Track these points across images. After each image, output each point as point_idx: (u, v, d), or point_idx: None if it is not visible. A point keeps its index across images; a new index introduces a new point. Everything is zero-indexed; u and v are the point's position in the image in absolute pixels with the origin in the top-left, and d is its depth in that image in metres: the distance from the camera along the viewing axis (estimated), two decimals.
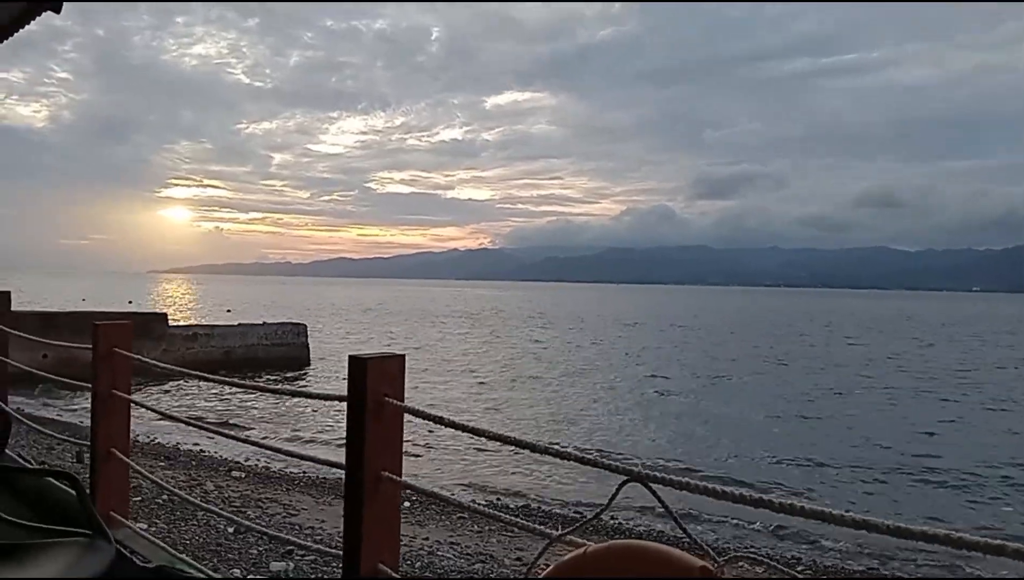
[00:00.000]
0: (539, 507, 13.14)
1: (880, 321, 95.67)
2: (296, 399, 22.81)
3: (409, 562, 8.43)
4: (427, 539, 9.70)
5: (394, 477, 2.42)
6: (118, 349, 4.08)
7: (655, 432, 20.80)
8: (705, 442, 19.53)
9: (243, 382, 3.78)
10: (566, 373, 33.46)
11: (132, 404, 4.21)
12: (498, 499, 13.69)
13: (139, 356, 4.16)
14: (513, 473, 15.51)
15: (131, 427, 4.32)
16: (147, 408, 5.02)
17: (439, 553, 9.09)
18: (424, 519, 10.85)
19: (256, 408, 22.11)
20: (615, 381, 31.21)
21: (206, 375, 3.59)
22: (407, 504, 11.33)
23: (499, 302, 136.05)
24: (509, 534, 10.30)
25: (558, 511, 12.81)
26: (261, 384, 3.45)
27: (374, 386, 2.39)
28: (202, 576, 3.36)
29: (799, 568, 10.47)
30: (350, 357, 2.42)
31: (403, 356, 2.49)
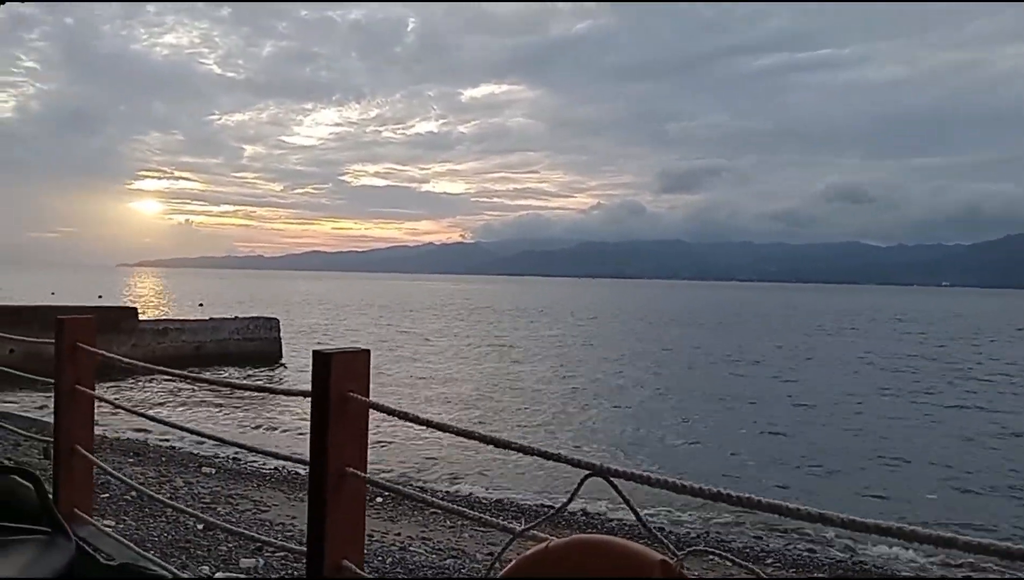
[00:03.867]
0: (507, 502, 13.19)
1: (858, 317, 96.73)
2: (266, 394, 22.63)
3: (380, 558, 8.42)
4: (399, 535, 9.70)
5: (358, 473, 2.40)
6: (81, 344, 4.02)
7: (623, 427, 20.97)
8: (671, 438, 19.69)
9: (207, 378, 3.75)
10: (536, 369, 33.54)
11: (97, 400, 4.16)
12: (469, 494, 13.72)
13: (103, 351, 4.11)
14: (482, 468, 15.56)
15: (98, 423, 4.27)
16: (112, 404, 4.96)
17: (411, 549, 9.09)
18: (396, 515, 10.84)
19: (225, 404, 21.93)
20: (586, 377, 31.37)
21: (171, 370, 3.55)
22: (379, 500, 11.30)
23: (474, 297, 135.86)
24: (481, 530, 10.31)
25: (529, 505, 12.89)
26: (225, 379, 3.43)
27: (338, 381, 2.38)
28: (167, 574, 3.32)
29: (765, 562, 10.60)
30: (314, 352, 2.41)
31: (368, 351, 2.48)
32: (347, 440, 2.41)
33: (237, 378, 25.56)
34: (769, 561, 10.65)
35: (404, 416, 2.33)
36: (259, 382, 24.91)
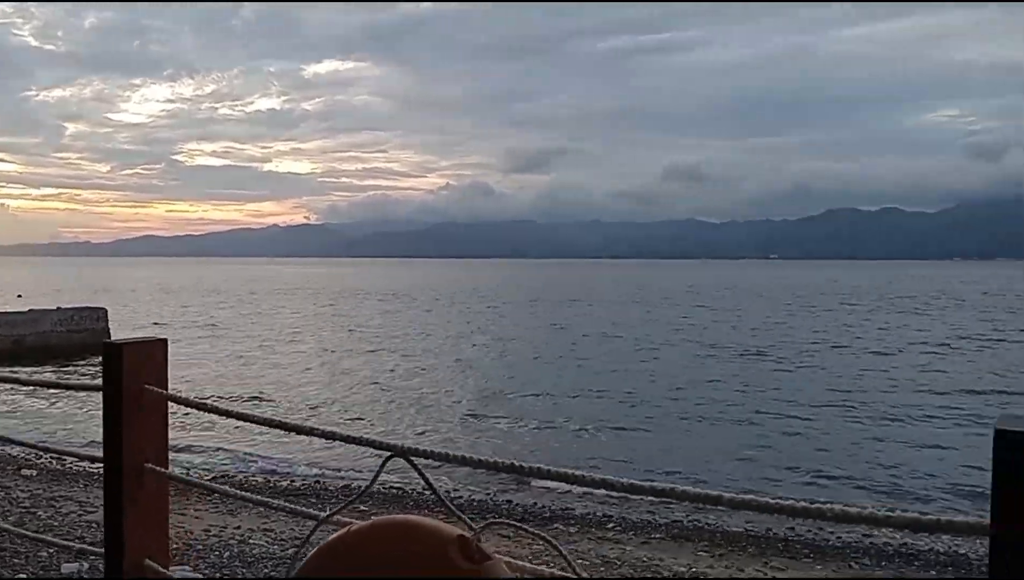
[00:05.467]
0: (331, 487, 13.09)
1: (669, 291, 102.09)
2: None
3: (218, 552, 8.13)
4: (239, 528, 9.39)
5: (158, 469, 2.30)
6: None
7: (440, 408, 21.24)
8: (490, 417, 20.08)
9: None
10: (365, 351, 33.42)
11: None
12: (287, 482, 13.51)
13: None
14: (305, 455, 15.41)
15: None
16: None
17: (251, 541, 8.83)
18: (236, 508, 10.48)
19: (36, 399, 20.57)
20: (414, 357, 31.58)
21: None
22: (217, 495, 10.91)
23: (319, 279, 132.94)
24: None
25: (347, 487, 12.96)
26: (10, 375, 3.18)
27: (132, 373, 2.25)
28: None
29: (606, 527, 11.06)
30: (104, 343, 2.27)
31: (165, 340, 2.37)
32: (144, 435, 2.29)
33: (57, 374, 23.93)
34: (611, 526, 11.09)
35: (204, 407, 2.24)
36: (50, 378, 23.52)
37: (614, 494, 12.41)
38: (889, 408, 20.51)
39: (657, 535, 10.81)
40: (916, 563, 9.82)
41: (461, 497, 12.12)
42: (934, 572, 9.57)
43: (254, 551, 8.33)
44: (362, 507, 9.22)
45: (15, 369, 21.56)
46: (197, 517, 9.86)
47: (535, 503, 12.24)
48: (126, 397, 2.25)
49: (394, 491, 12.13)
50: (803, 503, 1.49)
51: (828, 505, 1.47)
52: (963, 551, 10.03)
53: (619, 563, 9.00)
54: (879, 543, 10.46)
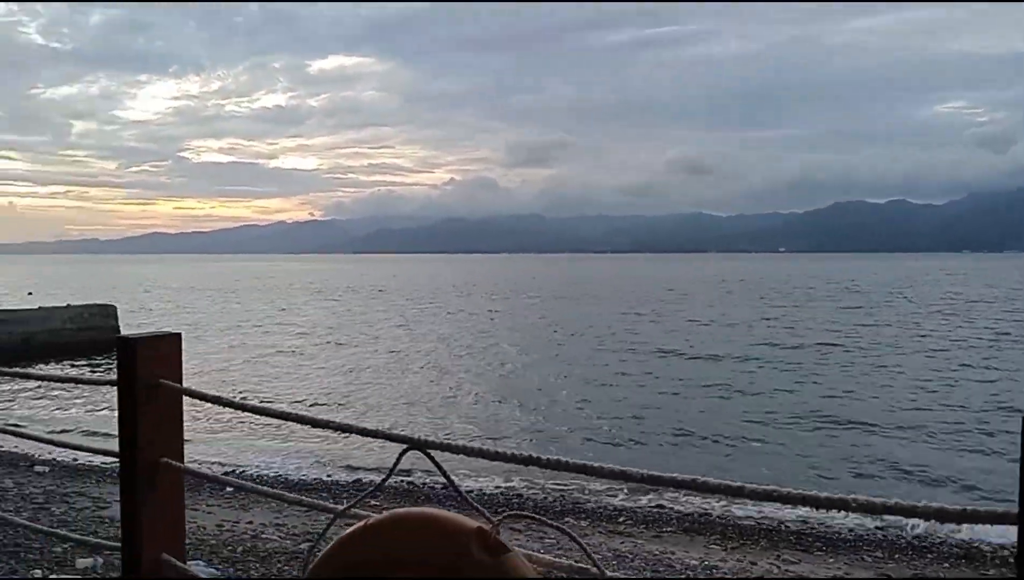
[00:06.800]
0: (334, 483, 13.14)
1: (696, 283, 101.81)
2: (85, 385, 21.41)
3: (231, 547, 8.16)
4: (251, 523, 9.43)
5: (174, 463, 2.30)
6: None
7: (457, 402, 21.23)
8: (506, 411, 20.01)
9: (3, 370, 3.46)
10: (383, 349, 33.40)
11: None
12: (301, 476, 13.57)
13: None
14: (317, 449, 15.46)
15: None
16: None
17: (264, 536, 8.86)
18: (249, 503, 10.53)
19: (45, 396, 20.68)
20: (428, 352, 31.56)
21: None
22: (229, 489, 10.96)
23: (329, 277, 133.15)
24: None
25: (361, 482, 12.98)
26: (24, 371, 3.19)
27: (146, 368, 2.25)
28: None
29: (617, 520, 11.05)
30: (118, 338, 2.27)
31: (179, 335, 2.36)
32: (159, 429, 2.29)
33: (66, 370, 24.03)
34: (621, 519, 11.10)
35: (218, 401, 2.24)
36: (73, 374, 23.63)
37: (625, 489, 12.41)
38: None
39: (668, 529, 10.80)
40: (929, 556, 9.78)
41: (471, 491, 12.16)
42: (947, 565, 9.53)
43: (267, 546, 8.36)
44: (373, 502, 9.25)
45: (27, 366, 21.70)
46: (209, 512, 9.91)
47: (545, 497, 12.27)
48: (141, 391, 2.25)
49: (405, 486, 12.17)
50: (826, 494, 1.48)
51: (852, 496, 1.46)
52: (978, 545, 9.98)
53: (631, 557, 8.99)
54: (892, 536, 10.43)
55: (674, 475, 1.58)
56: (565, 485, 12.67)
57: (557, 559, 1.78)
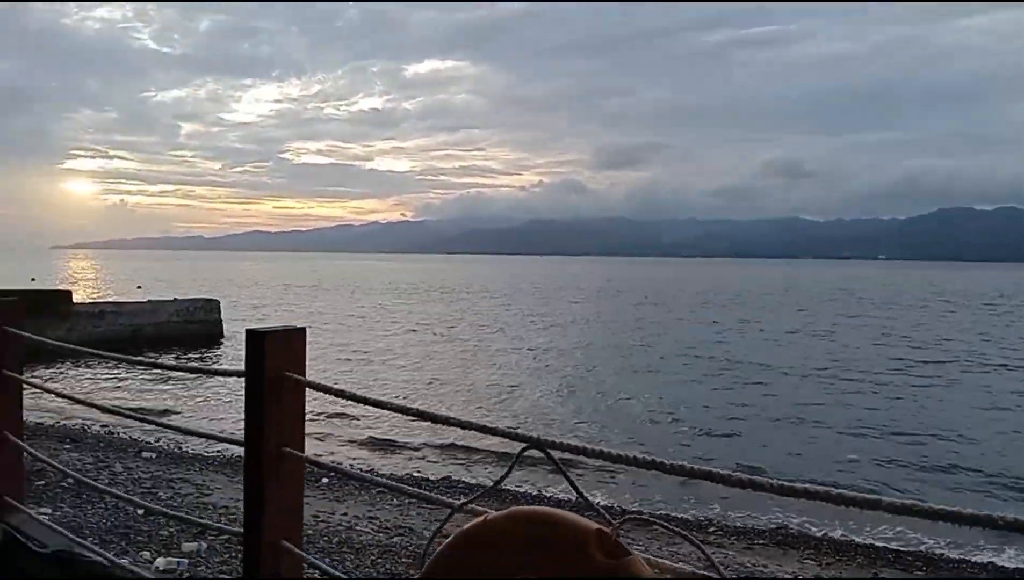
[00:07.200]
0: (452, 478, 13.27)
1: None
2: (204, 376, 22.24)
3: (327, 538, 8.38)
4: (346, 514, 9.66)
5: (295, 453, 2.38)
6: (7, 327, 3.89)
7: (564, 404, 21.11)
8: (620, 412, 19.92)
9: (141, 359, 3.63)
10: (482, 347, 33.60)
11: (26, 385, 4.03)
12: (413, 471, 13.77)
13: (31, 334, 3.98)
14: (426, 445, 15.61)
15: (33, 409, 4.15)
16: (41, 388, 4.81)
17: (358, 528, 9.06)
18: (343, 495, 10.80)
19: (163, 387, 21.53)
20: (534, 354, 31.51)
21: (102, 353, 3.46)
22: (325, 481, 11.25)
23: (424, 276, 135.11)
24: (428, 507, 10.33)
25: (473, 480, 13.04)
26: (159, 361, 3.34)
27: (273, 361, 2.34)
28: (101, 560, 3.25)
29: (707, 530, 10.86)
30: (248, 331, 2.36)
31: (304, 329, 2.44)
32: (283, 420, 2.37)
33: (177, 361, 25.07)
34: (712, 529, 10.90)
35: (342, 394, 2.30)
36: (194, 364, 24.64)
37: (717, 499, 12.18)
38: None
39: (760, 541, 10.55)
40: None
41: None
42: None
43: (361, 538, 8.54)
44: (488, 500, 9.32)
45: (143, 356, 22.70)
46: (306, 503, 10.21)
47: (633, 502, 12.17)
48: (267, 383, 2.33)
49: (515, 486, 12.20)
50: (971, 510, 1.41)
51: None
52: None
53: (722, 568, 8.82)
54: (1001, 559, 9.93)
55: (807, 486, 1.54)
56: (665, 494, 12.56)
57: (678, 564, 1.75)
